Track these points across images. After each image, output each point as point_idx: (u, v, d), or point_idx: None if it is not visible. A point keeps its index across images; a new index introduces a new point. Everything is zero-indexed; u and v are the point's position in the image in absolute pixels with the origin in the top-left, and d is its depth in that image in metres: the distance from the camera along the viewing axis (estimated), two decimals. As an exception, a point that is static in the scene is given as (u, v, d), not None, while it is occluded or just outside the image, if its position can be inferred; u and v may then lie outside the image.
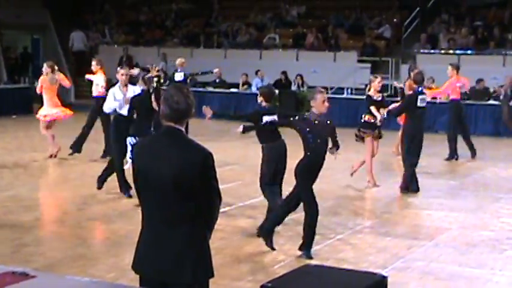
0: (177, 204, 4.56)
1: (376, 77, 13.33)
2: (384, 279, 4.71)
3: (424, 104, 12.53)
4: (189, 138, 4.67)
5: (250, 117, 9.71)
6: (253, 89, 23.85)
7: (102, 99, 13.57)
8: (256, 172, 14.03)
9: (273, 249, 8.89)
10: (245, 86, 24.22)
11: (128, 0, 32.50)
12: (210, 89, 24.18)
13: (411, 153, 12.42)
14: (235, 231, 9.78)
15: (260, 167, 9.73)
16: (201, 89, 23.56)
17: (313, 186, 8.75)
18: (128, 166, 11.27)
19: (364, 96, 13.59)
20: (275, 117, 9.45)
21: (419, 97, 12.42)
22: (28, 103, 22.19)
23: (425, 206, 11.71)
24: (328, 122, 8.78)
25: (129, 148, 11.12)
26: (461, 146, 16.39)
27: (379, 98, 13.00)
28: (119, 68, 12.51)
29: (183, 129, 4.67)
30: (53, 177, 14.19)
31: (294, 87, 23.94)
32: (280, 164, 9.54)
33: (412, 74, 13.28)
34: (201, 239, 4.69)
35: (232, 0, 31.43)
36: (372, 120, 12.84)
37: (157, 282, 4.58)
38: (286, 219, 10.46)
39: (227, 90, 24.10)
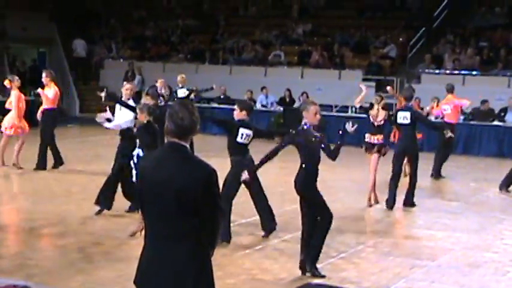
0: (180, 220, 4.54)
1: (378, 99, 13.14)
2: (386, 299, 4.68)
3: (406, 122, 12.63)
4: (193, 154, 4.66)
5: (229, 127, 10.00)
6: (258, 106, 23.90)
7: (54, 111, 13.98)
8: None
9: (323, 276, 8.69)
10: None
11: (134, 15, 32.63)
12: (215, 105, 24.21)
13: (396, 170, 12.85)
14: (238, 248, 9.75)
15: (225, 180, 9.71)
16: (205, 105, 23.60)
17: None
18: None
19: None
20: (250, 132, 9.96)
21: (399, 114, 12.55)
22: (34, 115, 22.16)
23: (428, 226, 11.68)
24: (320, 135, 8.81)
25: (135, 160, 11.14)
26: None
27: (381, 122, 12.96)
28: (125, 83, 12.57)
29: (188, 145, 4.67)
30: (56, 190, 14.18)
31: (298, 105, 23.93)
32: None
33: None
34: (203, 256, 4.67)
35: (238, 17, 31.55)
36: (373, 141, 12.90)
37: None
38: (287, 237, 10.48)
39: (232, 107, 24.05)
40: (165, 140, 4.75)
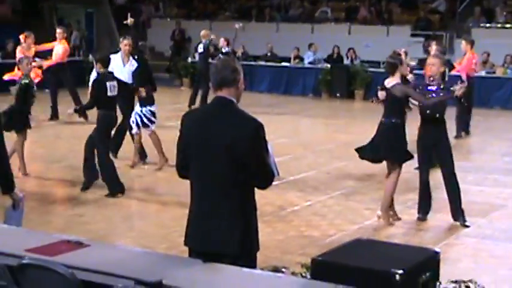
0: (228, 176, 4.57)
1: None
2: (436, 254, 4.65)
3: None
4: (240, 109, 4.67)
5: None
6: (306, 63, 23.75)
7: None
8: (307, 146, 14.12)
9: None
10: (297, 60, 24.10)
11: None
12: (261, 62, 24.12)
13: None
14: (286, 205, 9.77)
15: None
16: (252, 63, 23.51)
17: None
18: (135, 131, 11.61)
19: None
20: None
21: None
22: (82, 76, 22.31)
23: (478, 182, 11.53)
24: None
25: (138, 118, 11.47)
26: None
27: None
28: (122, 38, 12.36)
29: (234, 99, 4.67)
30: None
31: (346, 62, 23.74)
32: None
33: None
34: (251, 211, 4.70)
35: (284, -27, 31.19)
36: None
37: (206, 253, 4.58)
38: (335, 194, 10.48)
39: (278, 64, 24.01)
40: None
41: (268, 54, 24.41)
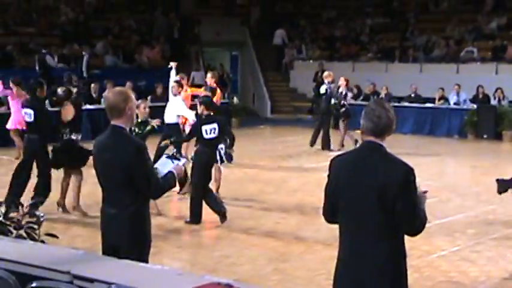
0: (381, 219, 4.54)
1: None
2: None
3: None
4: (390, 152, 4.65)
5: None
6: (452, 104, 23.34)
7: None
8: (453, 189, 13.78)
9: None
10: (441, 101, 23.71)
11: (323, 15, 32.82)
12: (406, 103, 23.86)
13: None
14: (432, 250, 9.55)
15: None
16: (396, 104, 23.32)
17: None
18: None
19: None
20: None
21: None
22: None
23: None
24: None
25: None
26: None
27: None
28: (139, 101, 11.92)
29: (384, 144, 4.65)
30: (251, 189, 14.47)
31: (493, 102, 23.11)
32: None
33: None
34: (401, 256, 4.65)
35: (428, 13, 30.91)
36: None
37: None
38: (484, 239, 10.16)
39: (422, 105, 23.69)
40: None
41: (412, 95, 24.14)
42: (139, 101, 10.38)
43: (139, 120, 10.26)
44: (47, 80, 16.42)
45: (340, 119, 19.00)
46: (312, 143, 18.95)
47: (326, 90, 18.81)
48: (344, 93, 18.95)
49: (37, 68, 23.33)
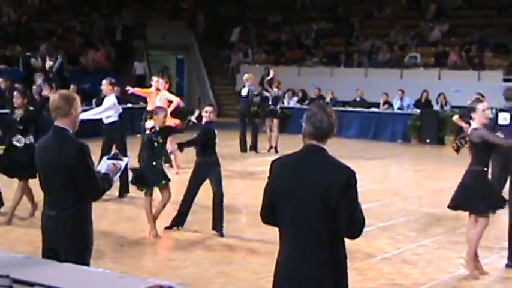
0: (322, 223, 4.52)
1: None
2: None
3: (505, 123, 11.60)
4: (331, 156, 4.65)
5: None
6: (395, 109, 23.63)
7: None
8: (396, 193, 13.95)
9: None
10: (386, 106, 23.99)
11: (269, 20, 32.94)
12: (350, 108, 24.09)
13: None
14: (375, 252, 9.65)
15: None
16: (341, 108, 23.52)
17: None
18: None
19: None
20: None
21: (500, 115, 11.78)
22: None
23: None
24: None
25: None
26: None
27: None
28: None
29: (326, 147, 4.66)
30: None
31: (436, 107, 23.47)
32: None
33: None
34: (341, 261, 4.65)
35: (373, 19, 31.25)
36: None
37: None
38: (425, 241, 10.30)
39: (367, 110, 23.94)
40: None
41: (357, 99, 24.38)
42: (158, 110, 10.72)
43: (157, 127, 10.39)
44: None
45: (267, 119, 19.60)
46: (243, 148, 19.11)
47: (248, 92, 18.99)
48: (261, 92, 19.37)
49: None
